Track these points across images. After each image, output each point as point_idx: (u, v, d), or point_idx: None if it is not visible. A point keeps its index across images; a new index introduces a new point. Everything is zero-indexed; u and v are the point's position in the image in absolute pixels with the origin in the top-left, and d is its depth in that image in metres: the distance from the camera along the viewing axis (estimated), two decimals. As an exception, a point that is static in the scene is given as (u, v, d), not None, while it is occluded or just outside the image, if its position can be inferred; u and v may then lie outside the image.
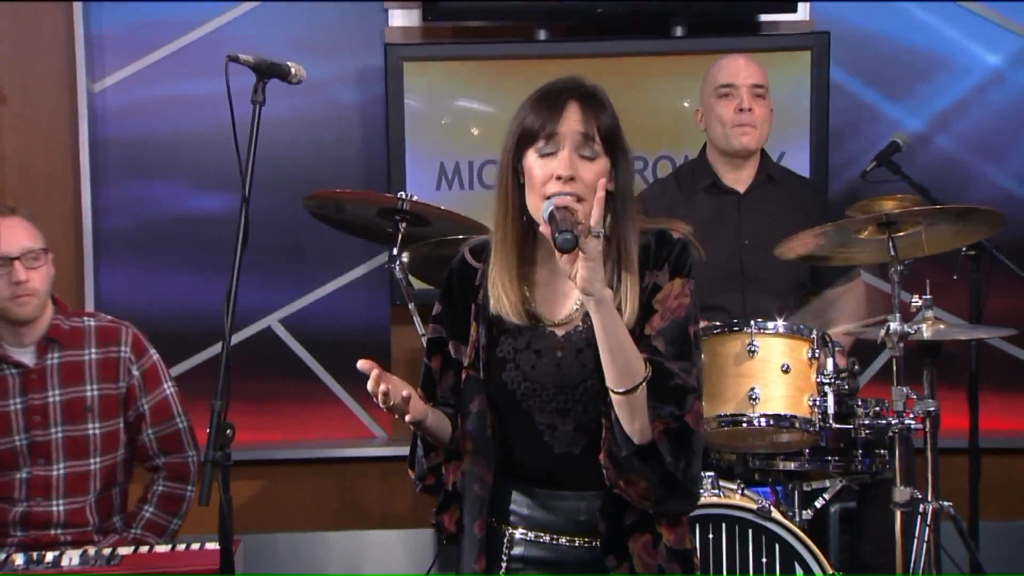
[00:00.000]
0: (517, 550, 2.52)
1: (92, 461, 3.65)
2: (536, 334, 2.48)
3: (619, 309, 2.37)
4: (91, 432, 3.65)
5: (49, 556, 3.30)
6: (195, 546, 3.37)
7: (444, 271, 2.61)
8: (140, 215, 4.92)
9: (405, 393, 2.35)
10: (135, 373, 3.69)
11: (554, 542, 2.50)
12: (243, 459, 3.97)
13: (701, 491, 2.54)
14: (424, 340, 2.66)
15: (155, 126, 4.90)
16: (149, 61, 4.89)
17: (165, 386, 3.75)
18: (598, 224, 2.29)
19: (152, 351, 3.76)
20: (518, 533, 2.52)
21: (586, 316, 2.40)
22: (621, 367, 2.34)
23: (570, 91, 2.44)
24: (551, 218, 2.32)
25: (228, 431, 2.73)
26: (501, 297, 2.47)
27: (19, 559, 3.29)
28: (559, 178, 2.37)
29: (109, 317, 3.77)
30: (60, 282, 4.80)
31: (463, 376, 2.53)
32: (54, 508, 3.62)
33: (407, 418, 2.37)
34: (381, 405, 2.34)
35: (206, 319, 4.84)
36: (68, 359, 3.65)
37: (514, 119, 2.47)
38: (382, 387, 2.32)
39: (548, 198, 2.36)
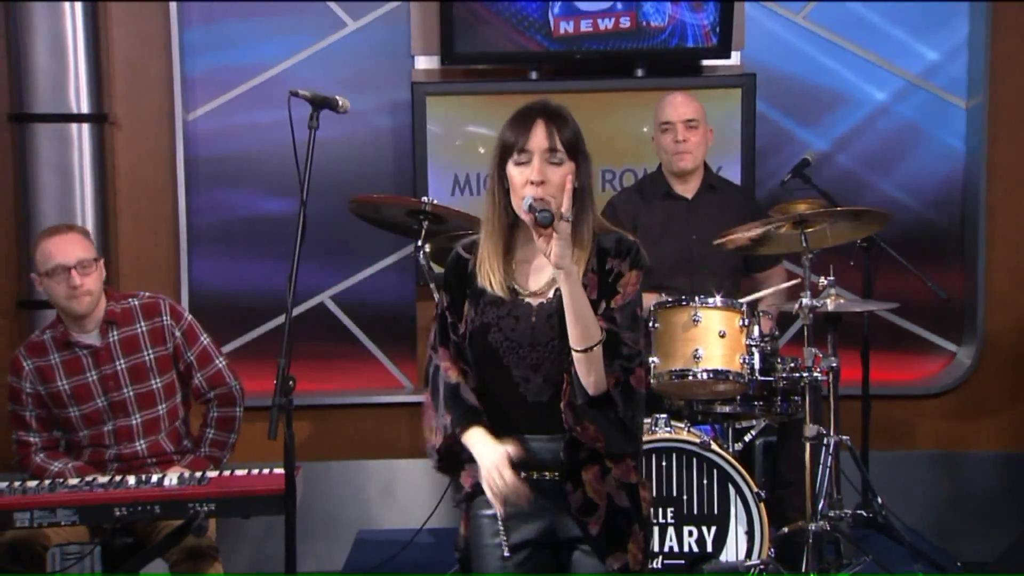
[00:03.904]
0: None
1: (159, 408, 3.62)
2: (515, 304, 2.46)
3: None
4: (154, 387, 3.61)
5: (154, 478, 3.28)
6: (266, 471, 3.35)
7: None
8: (223, 216, 4.90)
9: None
10: (177, 335, 3.64)
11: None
12: (302, 404, 3.99)
13: (642, 435, 2.54)
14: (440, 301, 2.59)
15: (235, 147, 4.87)
16: (230, 96, 4.86)
17: (202, 339, 3.69)
18: (567, 211, 2.29)
19: (186, 314, 3.70)
20: None
21: (556, 290, 2.39)
22: (582, 329, 2.34)
23: (536, 111, 2.43)
24: (530, 207, 2.32)
25: (291, 382, 2.73)
26: (488, 275, 2.46)
27: (131, 480, 3.26)
28: (533, 183, 2.37)
29: (148, 294, 3.67)
30: (160, 268, 4.85)
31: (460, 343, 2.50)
32: (138, 447, 3.59)
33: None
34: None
35: (273, 296, 4.82)
36: (125, 334, 3.60)
37: (497, 136, 2.47)
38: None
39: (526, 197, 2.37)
